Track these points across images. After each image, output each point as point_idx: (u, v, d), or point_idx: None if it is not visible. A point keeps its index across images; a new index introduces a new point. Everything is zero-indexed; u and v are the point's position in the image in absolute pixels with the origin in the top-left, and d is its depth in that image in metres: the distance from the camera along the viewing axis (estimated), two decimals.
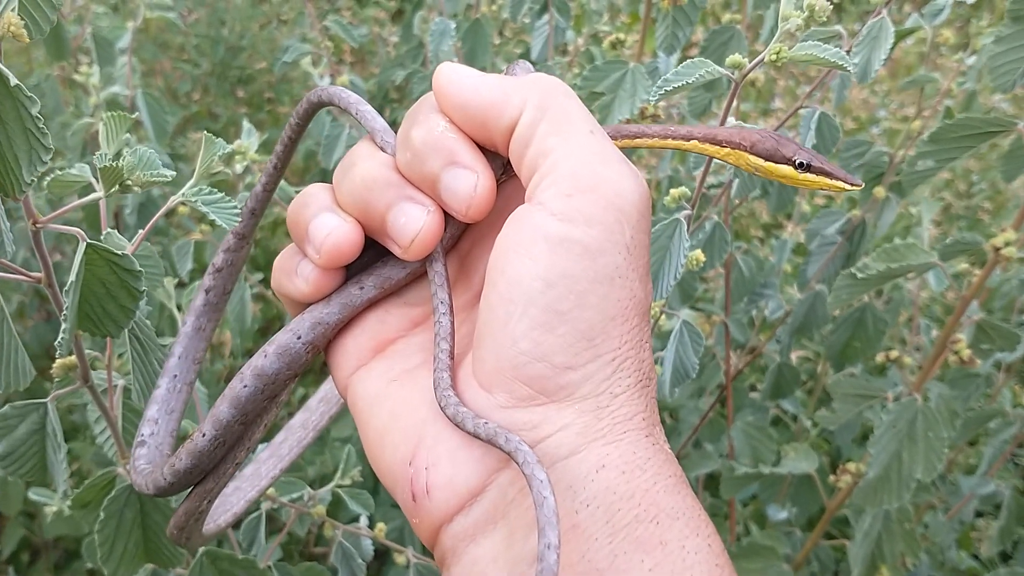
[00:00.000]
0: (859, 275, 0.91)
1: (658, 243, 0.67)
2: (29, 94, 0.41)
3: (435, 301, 0.45)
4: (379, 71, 1.81)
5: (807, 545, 1.20)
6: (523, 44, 1.85)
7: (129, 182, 0.48)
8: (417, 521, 0.43)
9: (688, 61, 0.61)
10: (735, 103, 0.69)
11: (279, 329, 0.48)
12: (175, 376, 0.57)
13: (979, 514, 1.59)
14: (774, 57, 0.58)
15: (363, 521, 0.92)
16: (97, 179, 0.55)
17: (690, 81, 0.60)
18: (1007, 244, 0.85)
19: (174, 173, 0.52)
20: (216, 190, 0.57)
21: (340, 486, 0.87)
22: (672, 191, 0.68)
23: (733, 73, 0.62)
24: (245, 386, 0.46)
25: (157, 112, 1.24)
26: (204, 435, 0.47)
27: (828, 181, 0.49)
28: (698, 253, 0.70)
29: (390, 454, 0.44)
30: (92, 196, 0.51)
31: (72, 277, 0.49)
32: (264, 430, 0.50)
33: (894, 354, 1.01)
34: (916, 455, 0.94)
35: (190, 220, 1.63)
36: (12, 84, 0.41)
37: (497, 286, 0.42)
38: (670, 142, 0.52)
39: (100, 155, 0.48)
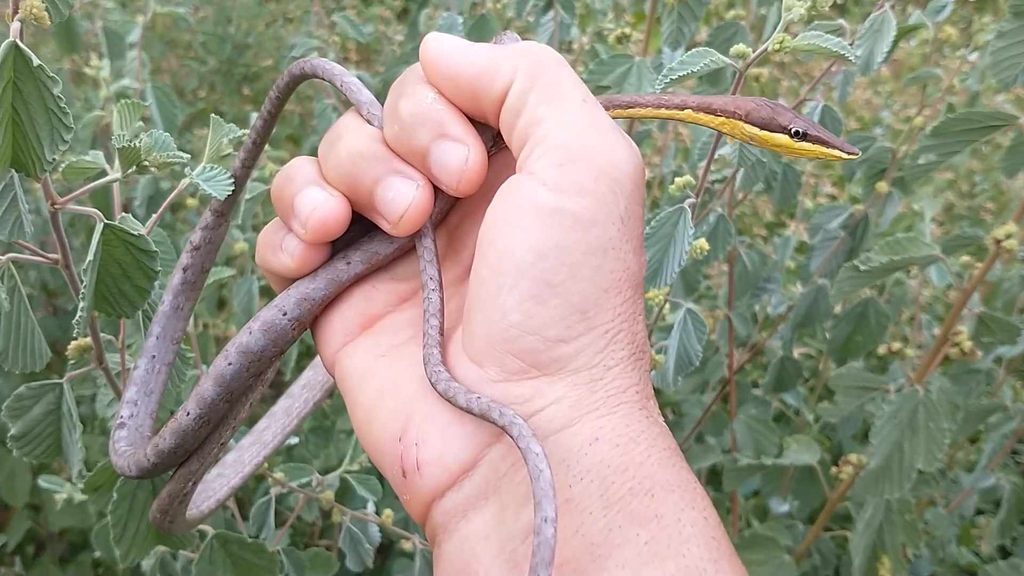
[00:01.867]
0: (862, 267, 0.92)
1: (662, 231, 0.68)
2: (51, 74, 0.42)
3: (424, 277, 0.45)
4: (384, 69, 1.82)
5: (809, 537, 1.21)
6: None
7: (146, 163, 0.49)
8: (408, 498, 0.43)
9: (693, 51, 0.61)
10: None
11: None
12: (153, 357, 0.56)
13: (979, 512, 1.60)
14: (777, 46, 0.59)
15: (370, 507, 0.93)
16: (112, 164, 0.56)
17: (695, 70, 0.61)
18: (1008, 236, 0.86)
19: (189, 156, 0.53)
20: (216, 167, 0.57)
21: (348, 472, 0.88)
22: (677, 179, 0.69)
23: (737, 63, 0.63)
24: (230, 364, 0.46)
25: (166, 105, 1.25)
26: (188, 414, 0.47)
27: (824, 150, 0.48)
28: (702, 242, 0.71)
29: (379, 430, 0.43)
30: (109, 177, 0.52)
31: (90, 256, 0.50)
32: (249, 409, 0.50)
33: (896, 346, 1.01)
34: (917, 445, 0.95)
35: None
36: (35, 64, 0.42)
37: (487, 258, 0.41)
38: (663, 111, 0.51)
39: (118, 136, 0.49)
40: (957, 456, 1.57)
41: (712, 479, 1.57)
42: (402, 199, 0.44)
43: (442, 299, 0.44)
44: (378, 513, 0.92)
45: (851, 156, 0.49)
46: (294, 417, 0.65)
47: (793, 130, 0.49)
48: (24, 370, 0.59)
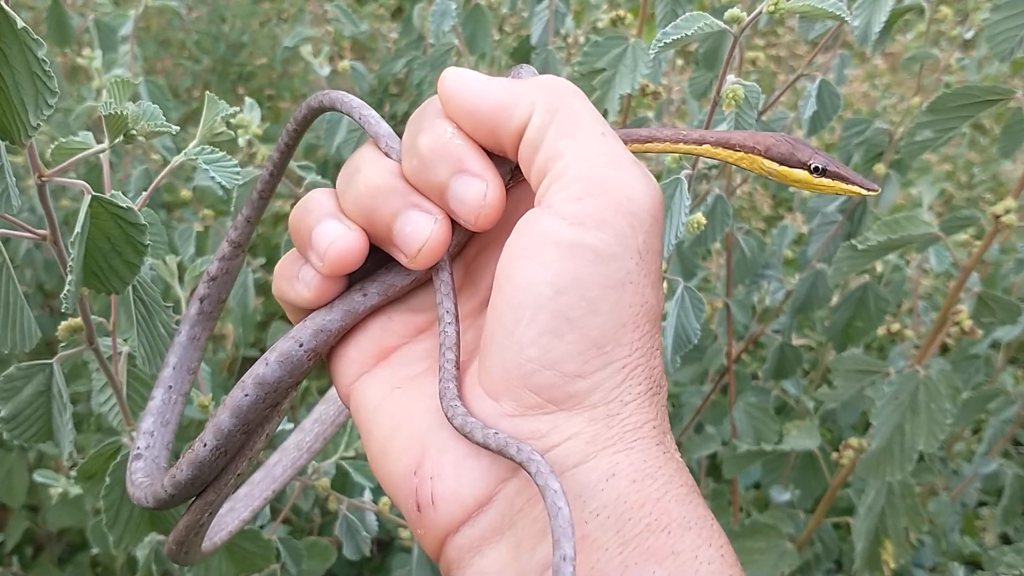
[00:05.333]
0: (860, 247, 0.91)
1: None
2: (35, 37, 0.42)
3: (440, 310, 0.44)
4: (379, 66, 1.82)
5: (811, 524, 1.20)
6: (519, 39, 1.85)
7: (134, 132, 0.48)
8: (422, 532, 0.42)
9: (688, 15, 0.61)
10: (729, 75, 0.69)
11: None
12: (170, 387, 0.56)
13: (982, 503, 1.60)
14: (772, 7, 0.58)
15: (367, 495, 0.92)
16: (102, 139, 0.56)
17: (689, 33, 0.60)
18: (1007, 212, 0.85)
19: (178, 128, 0.52)
20: (218, 149, 0.57)
21: (344, 458, 0.88)
22: (673, 153, 0.68)
23: (732, 27, 0.62)
24: (246, 395, 0.46)
25: (160, 101, 1.24)
26: (205, 445, 0.47)
27: (844, 186, 0.48)
28: (699, 216, 0.70)
29: (393, 463, 0.43)
30: (96, 148, 0.51)
31: (78, 228, 0.49)
32: (266, 440, 0.50)
33: (895, 327, 1.01)
34: (918, 427, 0.94)
35: (193, 215, 1.64)
36: (19, 27, 0.41)
37: (505, 292, 0.41)
38: (682, 146, 0.52)
39: (106, 103, 0.48)
40: (958, 447, 1.57)
41: (712, 471, 1.56)
42: (420, 233, 0.43)
43: (458, 332, 0.44)
44: (375, 501, 0.92)
45: (871, 192, 0.49)
46: (304, 452, 0.66)
47: (813, 166, 0.48)
48: (14, 350, 0.58)
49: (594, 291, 0.40)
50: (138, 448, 0.54)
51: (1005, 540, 1.48)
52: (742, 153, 0.50)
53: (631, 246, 0.40)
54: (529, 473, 0.37)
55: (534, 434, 0.40)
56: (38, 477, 1.04)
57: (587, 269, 0.40)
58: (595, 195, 0.40)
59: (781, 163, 0.49)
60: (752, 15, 0.62)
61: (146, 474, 0.53)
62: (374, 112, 0.47)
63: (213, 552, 0.62)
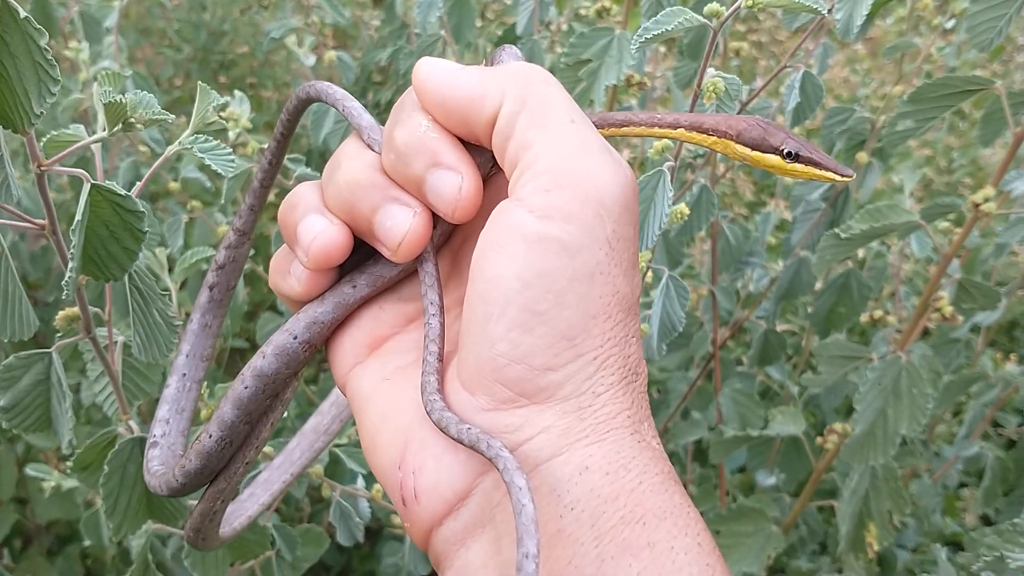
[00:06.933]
0: (843, 235, 0.93)
1: (642, 194, 0.68)
2: (37, 26, 0.42)
3: (425, 301, 0.45)
4: (362, 54, 1.81)
5: (796, 507, 1.21)
6: (503, 27, 1.85)
7: (132, 120, 0.49)
8: (409, 525, 0.43)
9: (668, 9, 0.62)
10: (710, 69, 0.70)
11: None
12: (184, 375, 0.57)
13: (963, 485, 1.62)
14: (749, 4, 0.59)
15: (360, 482, 0.93)
16: (96, 132, 0.56)
17: (669, 29, 0.61)
18: (986, 200, 0.87)
19: (173, 116, 0.53)
20: (212, 138, 0.58)
21: (337, 445, 0.88)
22: (655, 144, 0.69)
23: (711, 22, 0.63)
24: (246, 387, 0.47)
25: (145, 90, 1.24)
26: (211, 436, 0.48)
27: (817, 171, 0.48)
28: (682, 207, 0.71)
29: (381, 455, 0.44)
30: (96, 136, 0.51)
31: (78, 216, 0.50)
32: (272, 429, 0.51)
33: (878, 313, 1.02)
34: (901, 411, 0.96)
35: (178, 205, 1.63)
36: (22, 16, 0.42)
37: (476, 286, 0.41)
38: (657, 130, 0.52)
39: (103, 92, 0.49)
40: (939, 430, 1.59)
41: (698, 456, 1.58)
42: (400, 226, 0.44)
43: (442, 324, 0.44)
44: (368, 488, 0.92)
45: (845, 178, 0.48)
46: (322, 434, 0.66)
47: (785, 151, 0.48)
48: (13, 338, 0.58)
49: (561, 284, 0.40)
50: (154, 436, 0.56)
51: (985, 521, 1.51)
52: (715, 137, 0.50)
53: (599, 236, 0.40)
54: (497, 469, 0.37)
55: (507, 428, 0.40)
56: (30, 471, 1.04)
57: (554, 262, 0.40)
58: (563, 186, 0.40)
59: (753, 148, 0.49)
60: (731, 10, 0.62)
61: (161, 462, 0.55)
62: (358, 103, 0.48)
63: (233, 537, 0.63)
